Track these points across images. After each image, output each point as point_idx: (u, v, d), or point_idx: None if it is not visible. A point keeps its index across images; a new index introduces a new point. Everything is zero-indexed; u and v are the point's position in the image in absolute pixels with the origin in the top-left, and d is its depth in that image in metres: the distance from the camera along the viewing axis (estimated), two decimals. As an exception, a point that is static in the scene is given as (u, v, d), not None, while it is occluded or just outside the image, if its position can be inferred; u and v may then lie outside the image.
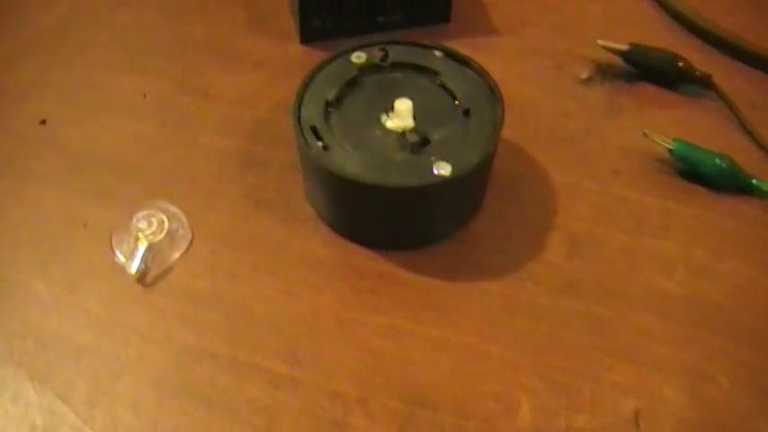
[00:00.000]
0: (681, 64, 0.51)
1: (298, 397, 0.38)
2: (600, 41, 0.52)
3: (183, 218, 0.44)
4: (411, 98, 0.43)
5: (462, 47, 0.46)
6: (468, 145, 0.42)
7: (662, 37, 0.55)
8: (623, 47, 0.52)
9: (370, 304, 0.41)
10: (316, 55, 0.52)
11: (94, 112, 0.50)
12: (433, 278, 0.42)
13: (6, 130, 0.49)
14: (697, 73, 0.51)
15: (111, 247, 0.43)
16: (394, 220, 0.43)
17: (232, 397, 0.38)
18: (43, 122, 0.49)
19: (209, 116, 0.49)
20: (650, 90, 0.52)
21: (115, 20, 0.56)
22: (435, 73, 0.45)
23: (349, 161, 0.41)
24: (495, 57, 0.52)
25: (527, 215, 0.45)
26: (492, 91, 0.44)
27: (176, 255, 0.43)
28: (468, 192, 0.43)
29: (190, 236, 0.44)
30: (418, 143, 0.42)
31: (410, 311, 0.41)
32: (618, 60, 0.52)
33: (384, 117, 0.43)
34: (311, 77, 0.44)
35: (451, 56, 0.46)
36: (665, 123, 0.50)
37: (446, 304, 0.42)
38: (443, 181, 0.40)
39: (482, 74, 0.44)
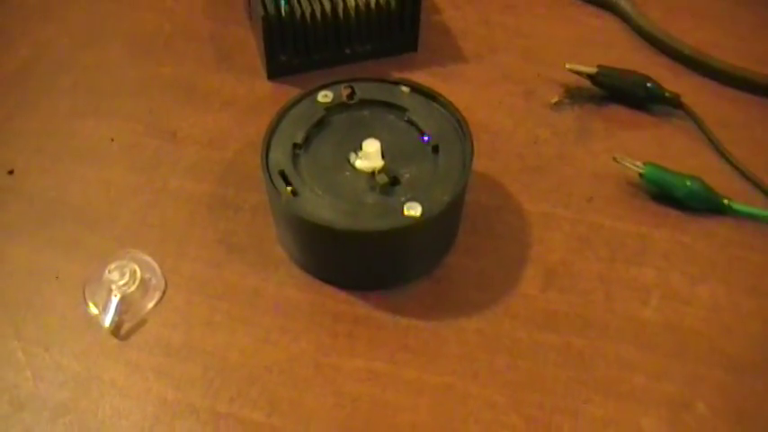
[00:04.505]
0: (649, 85, 0.51)
1: (277, 447, 0.38)
2: (568, 65, 0.52)
3: (156, 266, 0.44)
4: (379, 136, 0.42)
5: (431, 75, 0.46)
6: (438, 183, 0.41)
7: (631, 57, 0.55)
8: (591, 70, 0.52)
9: (347, 348, 0.41)
10: (284, 90, 0.52)
11: (62, 160, 0.49)
12: (410, 318, 0.42)
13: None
14: (666, 93, 0.51)
15: (85, 299, 0.43)
16: (367, 262, 0.42)
17: (211, 450, 0.38)
18: (11, 173, 0.48)
19: (179, 159, 0.49)
20: (620, 111, 0.52)
21: (79, 61, 0.55)
22: (403, 109, 0.45)
23: (319, 206, 0.40)
24: (464, 85, 0.52)
25: (501, 248, 0.45)
26: (461, 125, 0.44)
27: (150, 304, 0.43)
28: (440, 230, 0.43)
29: (163, 285, 0.43)
30: (388, 183, 0.41)
31: (388, 353, 0.41)
32: (587, 83, 0.52)
33: (353, 156, 0.43)
34: (278, 121, 0.44)
35: (419, 91, 0.45)
36: (636, 145, 0.50)
37: (424, 344, 0.41)
38: (415, 222, 0.40)
39: (450, 108, 0.44)
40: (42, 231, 0.46)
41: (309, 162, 0.43)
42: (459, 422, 0.39)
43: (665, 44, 0.55)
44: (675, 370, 0.41)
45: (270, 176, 0.41)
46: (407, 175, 0.42)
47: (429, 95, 0.45)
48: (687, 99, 0.51)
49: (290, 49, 0.52)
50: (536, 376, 0.40)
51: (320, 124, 0.44)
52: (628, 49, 0.56)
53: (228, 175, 0.48)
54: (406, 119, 0.44)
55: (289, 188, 0.41)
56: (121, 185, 0.48)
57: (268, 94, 0.52)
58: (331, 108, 0.45)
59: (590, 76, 0.52)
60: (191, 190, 0.47)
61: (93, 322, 0.42)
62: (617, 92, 0.52)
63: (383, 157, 0.42)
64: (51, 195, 0.47)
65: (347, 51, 0.53)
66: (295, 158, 0.43)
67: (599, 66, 0.52)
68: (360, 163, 0.42)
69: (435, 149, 0.43)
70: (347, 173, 0.42)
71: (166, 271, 0.44)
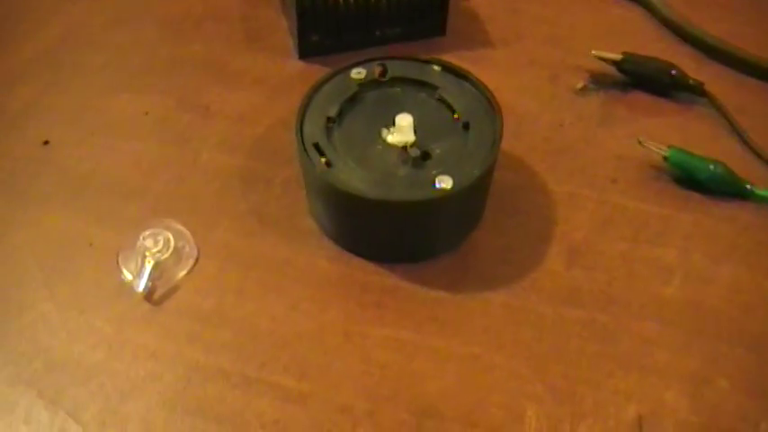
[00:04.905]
0: (673, 72, 0.52)
1: (307, 411, 0.39)
2: (594, 52, 0.53)
3: (189, 235, 0.45)
4: (411, 113, 0.43)
5: (458, 59, 0.47)
6: (469, 158, 0.42)
7: (654, 46, 0.55)
8: (617, 56, 0.53)
9: (376, 318, 0.42)
10: (314, 70, 0.53)
11: (95, 133, 0.50)
12: (437, 290, 0.43)
13: (7, 152, 0.49)
14: (690, 81, 0.52)
15: (118, 265, 0.44)
16: (397, 233, 0.43)
17: (242, 413, 0.39)
18: (46, 143, 0.49)
19: (211, 133, 0.50)
20: (644, 98, 0.53)
21: (111, 40, 0.56)
22: (434, 87, 0.45)
23: (352, 177, 0.41)
24: (491, 69, 0.53)
25: (527, 226, 0.46)
26: (490, 104, 0.44)
27: (183, 272, 0.44)
28: (469, 204, 0.44)
29: (196, 253, 0.44)
30: (419, 158, 0.42)
31: (415, 324, 0.42)
32: (612, 70, 0.53)
33: (385, 132, 0.43)
34: (312, 95, 0.45)
35: (449, 70, 0.46)
36: (660, 131, 0.50)
37: (450, 316, 0.42)
38: (445, 194, 0.41)
39: (480, 87, 0.45)
40: (77, 201, 0.47)
41: (342, 136, 0.44)
42: (484, 391, 0.40)
43: (689, 33, 0.56)
44: (697, 347, 0.41)
45: (304, 148, 0.42)
46: (438, 151, 0.43)
47: (460, 75, 0.46)
48: (710, 88, 0.52)
49: (322, 30, 0.53)
50: (560, 349, 0.41)
51: (353, 100, 0.45)
52: (651, 39, 0.57)
53: (260, 149, 0.49)
54: (437, 97, 0.45)
55: (323, 159, 0.42)
56: (154, 158, 0.49)
57: (298, 74, 0.53)
58: (364, 84, 0.46)
59: (615, 63, 0.53)
60: (223, 163, 0.48)
61: (127, 288, 0.43)
62: (641, 79, 0.53)
63: (414, 132, 0.43)
64: (86, 167, 0.48)
65: (377, 33, 0.54)
66: (328, 132, 0.43)
67: (624, 52, 0.53)
68: (392, 138, 0.43)
69: (466, 126, 0.44)
70: (379, 147, 0.43)
71: (199, 240, 0.45)
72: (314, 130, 0.43)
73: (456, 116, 0.44)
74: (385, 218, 0.42)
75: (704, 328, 0.42)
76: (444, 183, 0.41)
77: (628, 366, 0.40)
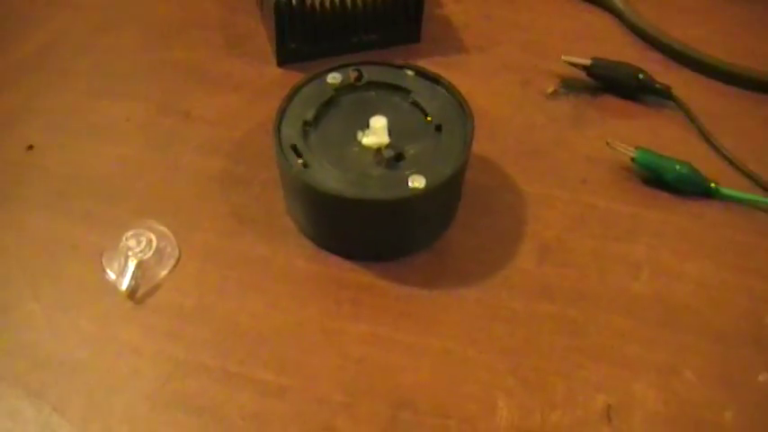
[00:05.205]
0: (641, 76, 0.54)
1: (286, 404, 0.40)
2: (564, 57, 0.55)
3: (171, 235, 0.46)
4: (385, 116, 0.44)
5: (433, 65, 0.49)
6: (441, 158, 0.44)
7: (624, 51, 0.57)
8: (586, 61, 0.54)
9: (352, 314, 0.43)
10: (292, 76, 0.54)
11: (79, 138, 0.51)
12: (412, 287, 0.44)
13: (-7, 157, 0.50)
14: (657, 84, 0.54)
15: (102, 265, 0.45)
16: (373, 232, 0.45)
17: (222, 406, 0.40)
18: (30, 148, 0.50)
19: (191, 137, 0.51)
20: (613, 102, 0.54)
21: (96, 46, 0.57)
22: (408, 91, 0.47)
23: (328, 177, 0.43)
24: (465, 74, 0.54)
25: (499, 225, 0.47)
26: (462, 106, 0.46)
27: (164, 272, 0.45)
28: (442, 203, 0.45)
29: (177, 253, 0.45)
30: (393, 158, 0.44)
31: (390, 319, 0.43)
32: (582, 74, 0.55)
33: (360, 134, 0.45)
34: (289, 99, 0.46)
35: (422, 74, 0.48)
36: (629, 133, 0.52)
37: (425, 311, 0.43)
38: (418, 193, 0.42)
39: (452, 90, 0.47)
40: (60, 203, 0.48)
41: (319, 139, 0.45)
42: (458, 383, 0.41)
43: (656, 39, 0.58)
44: (665, 340, 0.43)
45: (282, 149, 0.44)
46: (412, 152, 0.44)
47: (433, 79, 0.47)
48: (677, 92, 0.53)
49: (300, 37, 0.54)
50: (532, 343, 0.42)
51: (329, 103, 0.46)
52: (620, 45, 0.58)
53: (239, 152, 0.50)
54: (410, 100, 0.47)
55: (300, 161, 0.43)
56: (137, 161, 0.50)
57: (277, 80, 0.55)
58: (340, 89, 0.47)
59: (585, 68, 0.54)
60: (203, 166, 0.49)
61: (110, 287, 0.44)
62: (610, 83, 0.55)
63: (389, 135, 0.44)
64: (69, 170, 0.49)
65: (354, 40, 0.55)
66: (305, 135, 0.45)
67: (593, 57, 0.54)
68: (367, 140, 0.44)
69: (438, 128, 0.45)
70: (355, 149, 0.44)
71: (180, 241, 0.46)
72: (291, 133, 0.45)
73: (429, 119, 0.46)
74: (360, 216, 0.44)
75: (671, 321, 0.43)
76: (417, 182, 0.42)
77: (597, 358, 0.42)
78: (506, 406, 0.40)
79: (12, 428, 0.39)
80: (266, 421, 0.39)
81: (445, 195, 0.45)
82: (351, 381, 0.41)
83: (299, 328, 0.43)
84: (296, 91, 0.46)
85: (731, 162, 0.51)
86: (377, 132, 0.44)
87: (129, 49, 0.57)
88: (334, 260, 0.45)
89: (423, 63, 0.50)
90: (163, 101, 0.53)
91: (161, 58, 0.56)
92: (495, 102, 0.54)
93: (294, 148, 0.44)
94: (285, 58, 0.55)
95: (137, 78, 0.55)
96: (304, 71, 0.50)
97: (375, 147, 0.44)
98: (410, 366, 0.41)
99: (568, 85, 0.55)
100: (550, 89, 0.55)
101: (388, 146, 0.44)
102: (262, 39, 0.57)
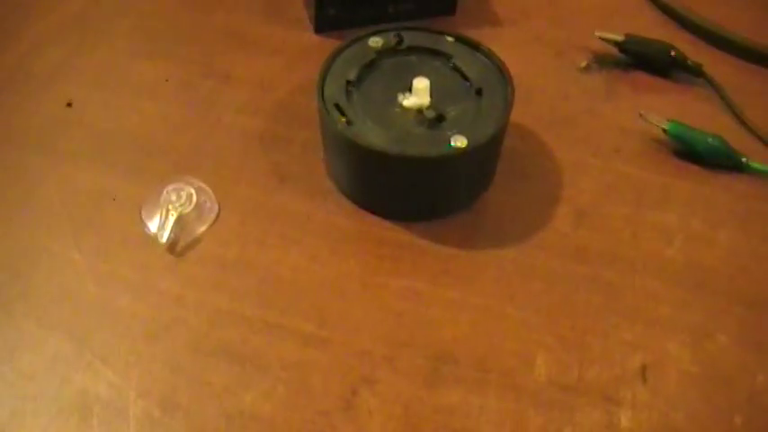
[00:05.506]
0: (674, 53, 0.54)
1: (327, 354, 0.40)
2: (597, 32, 0.55)
3: (210, 192, 0.46)
4: (427, 78, 0.45)
5: (467, 36, 0.49)
6: (482, 120, 0.44)
7: (653, 30, 0.58)
8: (619, 37, 0.55)
9: (392, 269, 0.44)
10: (330, 43, 0.55)
11: (119, 95, 0.52)
12: (450, 246, 0.45)
13: (36, 111, 0.51)
14: (689, 62, 0.54)
15: (142, 218, 0.45)
16: (413, 190, 0.45)
17: (264, 355, 0.40)
18: (69, 105, 0.51)
19: (232, 98, 0.52)
20: (645, 78, 0.55)
21: (136, 7, 0.58)
22: (448, 56, 0.47)
23: (371, 135, 0.43)
24: (499, 46, 0.54)
25: (535, 189, 0.48)
26: (501, 72, 0.47)
27: (204, 227, 0.45)
28: (482, 164, 0.46)
29: (217, 208, 0.46)
30: (435, 119, 0.44)
31: (430, 276, 0.44)
32: (614, 50, 0.56)
33: (401, 96, 0.45)
34: (332, 59, 0.47)
35: (462, 41, 0.48)
36: (661, 108, 0.52)
37: (463, 269, 0.44)
38: (460, 152, 0.43)
39: (491, 56, 0.47)
40: (100, 157, 0.48)
41: (361, 98, 0.45)
42: (497, 338, 0.41)
43: (687, 19, 0.58)
44: (697, 303, 0.43)
45: (326, 107, 0.44)
46: (453, 114, 0.45)
47: (472, 45, 0.48)
48: (707, 70, 0.54)
49: (338, 4, 0.55)
50: (568, 301, 0.43)
51: (371, 66, 0.47)
52: (650, 24, 0.59)
53: (280, 113, 0.51)
54: (451, 65, 0.47)
55: (343, 118, 0.44)
56: (177, 119, 0.51)
57: (315, 46, 0.55)
58: (381, 52, 0.48)
59: (617, 44, 0.55)
60: (244, 125, 0.50)
61: (150, 240, 0.44)
62: (642, 59, 0.55)
63: (430, 96, 0.45)
64: (110, 126, 0.50)
65: (390, 10, 0.56)
66: (348, 94, 0.45)
67: (627, 34, 0.55)
68: (408, 101, 0.45)
69: (479, 92, 0.46)
70: (396, 110, 0.45)
71: (220, 196, 0.46)
72: (334, 92, 0.45)
73: (469, 83, 0.46)
74: (402, 174, 0.44)
75: (704, 285, 0.44)
76: (459, 141, 0.43)
77: (632, 319, 0.42)
78: (544, 362, 0.41)
79: (55, 373, 0.39)
80: (307, 372, 0.40)
81: (486, 156, 0.45)
82: (391, 334, 0.41)
83: (340, 282, 0.43)
84: (339, 52, 0.47)
85: (761, 138, 0.51)
86: (419, 93, 0.45)
87: (169, 11, 0.58)
88: (374, 219, 0.46)
89: (457, 34, 0.51)
90: (202, 62, 0.54)
91: (201, 21, 0.57)
92: (529, 72, 0.54)
93: (337, 107, 0.44)
94: (323, 24, 0.56)
95: (176, 40, 0.56)
96: (340, 39, 0.51)
97: (417, 108, 0.45)
98: (450, 321, 0.42)
99: (601, 60, 0.56)
100: (583, 63, 0.55)
101: (429, 107, 0.45)
102: (299, 6, 0.58)
